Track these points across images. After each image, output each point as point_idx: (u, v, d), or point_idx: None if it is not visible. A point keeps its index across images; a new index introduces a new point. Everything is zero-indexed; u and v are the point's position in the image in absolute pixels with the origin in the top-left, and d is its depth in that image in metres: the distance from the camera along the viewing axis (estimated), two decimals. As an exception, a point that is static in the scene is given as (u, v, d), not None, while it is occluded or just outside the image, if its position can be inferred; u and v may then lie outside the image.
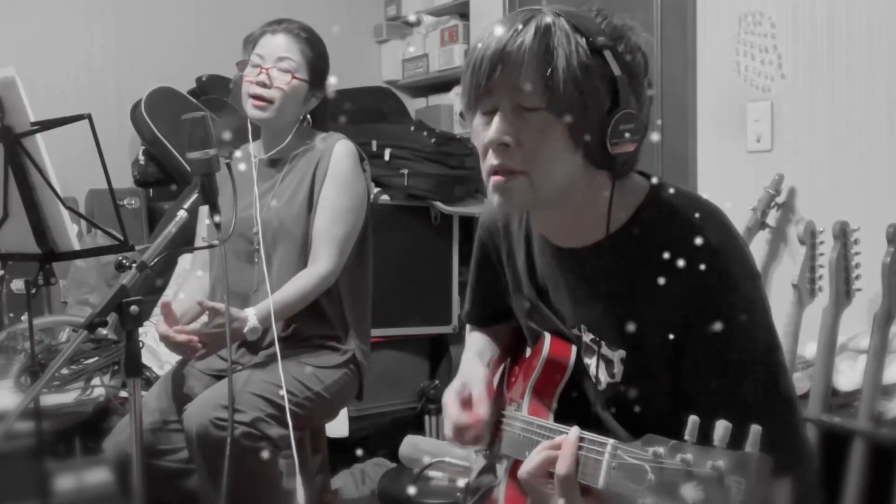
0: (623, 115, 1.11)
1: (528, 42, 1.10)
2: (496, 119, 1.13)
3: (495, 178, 1.16)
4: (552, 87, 1.09)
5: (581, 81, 1.09)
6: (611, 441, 0.98)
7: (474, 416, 1.33)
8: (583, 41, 1.10)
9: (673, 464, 0.86)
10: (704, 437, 0.87)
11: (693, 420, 0.88)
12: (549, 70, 1.08)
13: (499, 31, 1.12)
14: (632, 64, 1.13)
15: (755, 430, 0.84)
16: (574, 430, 1.04)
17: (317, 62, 2.20)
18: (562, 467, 1.02)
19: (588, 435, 1.02)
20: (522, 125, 1.12)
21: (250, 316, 2.03)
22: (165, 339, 1.99)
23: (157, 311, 2.93)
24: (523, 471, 1.07)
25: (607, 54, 1.10)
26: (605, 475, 0.96)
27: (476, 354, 1.50)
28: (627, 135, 1.12)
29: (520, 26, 1.11)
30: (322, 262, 2.14)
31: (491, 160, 1.15)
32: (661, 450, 0.88)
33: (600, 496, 1.02)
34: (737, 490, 0.81)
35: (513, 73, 1.10)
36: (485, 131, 1.15)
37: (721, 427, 0.85)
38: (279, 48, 2.16)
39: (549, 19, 1.11)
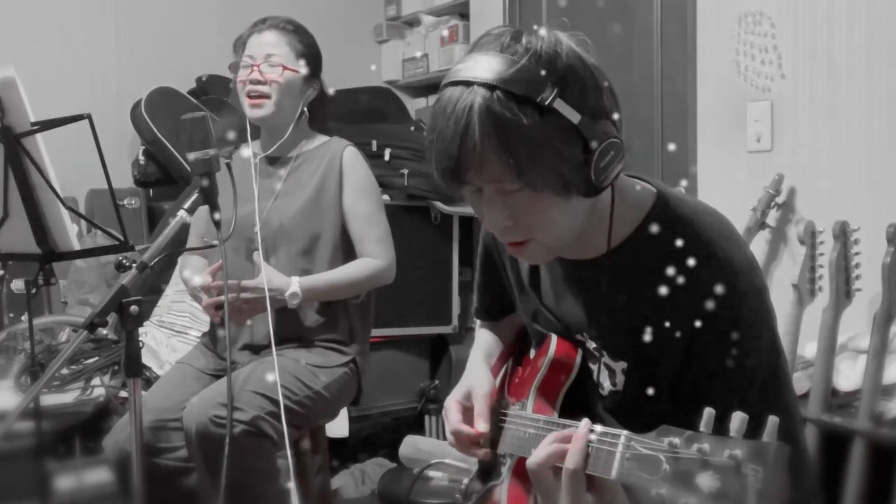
0: (600, 153, 1.06)
1: (476, 140, 1.02)
2: (484, 207, 1.11)
3: (509, 247, 1.17)
4: (520, 173, 1.04)
5: (546, 154, 1.03)
6: (624, 432, 0.96)
7: (475, 430, 1.33)
8: (529, 109, 1.02)
9: (689, 454, 0.86)
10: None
11: (709, 412, 0.88)
12: (510, 159, 1.02)
13: (443, 126, 1.04)
14: (585, 95, 1.06)
15: (773, 420, 0.84)
16: (584, 423, 1.03)
17: (307, 52, 2.21)
18: (570, 461, 1.01)
19: (600, 427, 1.01)
20: (511, 204, 1.09)
21: (293, 282, 2.07)
22: (207, 291, 2.06)
23: (156, 311, 2.94)
24: (531, 462, 1.06)
25: (559, 105, 1.03)
26: (619, 466, 0.95)
27: (483, 358, 1.49)
28: (612, 161, 1.07)
29: (461, 120, 1.02)
30: (374, 259, 2.20)
31: (496, 234, 1.17)
32: (676, 440, 0.88)
33: (606, 491, 1.02)
34: (754, 478, 0.80)
35: (477, 171, 1.06)
36: (476, 201, 1.13)
37: (737, 418, 0.85)
38: (267, 45, 2.18)
39: (484, 100, 1.02)
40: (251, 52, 2.18)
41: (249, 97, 2.16)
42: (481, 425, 1.32)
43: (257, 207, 2.15)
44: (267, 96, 2.15)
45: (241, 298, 2.03)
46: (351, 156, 2.25)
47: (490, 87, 1.03)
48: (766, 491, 0.79)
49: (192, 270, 2.29)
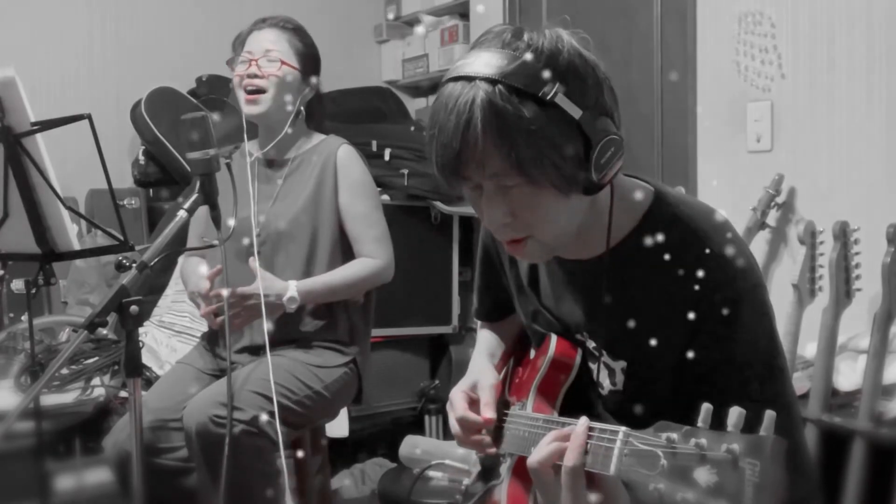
0: (600, 149, 1.06)
1: (478, 133, 1.03)
2: (484, 203, 1.11)
3: (507, 245, 1.17)
4: (521, 167, 1.04)
5: (546, 148, 1.03)
6: (623, 428, 0.97)
7: (483, 417, 1.32)
8: (531, 104, 1.02)
9: (686, 449, 0.86)
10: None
11: (706, 407, 0.88)
12: (511, 153, 1.03)
13: (444, 120, 1.05)
14: (586, 91, 1.06)
15: (770, 414, 0.83)
16: (583, 421, 1.03)
17: (305, 50, 2.22)
18: (569, 459, 1.01)
19: (598, 424, 1.02)
20: (510, 200, 1.09)
21: (290, 286, 2.07)
22: (206, 298, 2.05)
23: (156, 311, 2.94)
24: (531, 460, 1.06)
25: (560, 100, 1.03)
26: (617, 462, 0.95)
27: (487, 356, 1.49)
28: (612, 158, 1.08)
29: (463, 114, 1.03)
30: (372, 259, 2.20)
31: (494, 232, 1.18)
32: (674, 435, 0.88)
33: (606, 489, 1.02)
34: (751, 472, 0.80)
35: (478, 166, 1.06)
36: (476, 198, 1.13)
37: (735, 413, 0.85)
38: (266, 41, 2.18)
39: (486, 94, 1.02)
40: (250, 48, 2.18)
41: (246, 92, 2.16)
42: (488, 413, 1.32)
43: (254, 210, 2.15)
44: (264, 90, 2.15)
45: (239, 305, 2.03)
46: (345, 154, 2.24)
47: (492, 81, 1.03)
48: (764, 484, 0.79)
49: (190, 273, 2.29)
